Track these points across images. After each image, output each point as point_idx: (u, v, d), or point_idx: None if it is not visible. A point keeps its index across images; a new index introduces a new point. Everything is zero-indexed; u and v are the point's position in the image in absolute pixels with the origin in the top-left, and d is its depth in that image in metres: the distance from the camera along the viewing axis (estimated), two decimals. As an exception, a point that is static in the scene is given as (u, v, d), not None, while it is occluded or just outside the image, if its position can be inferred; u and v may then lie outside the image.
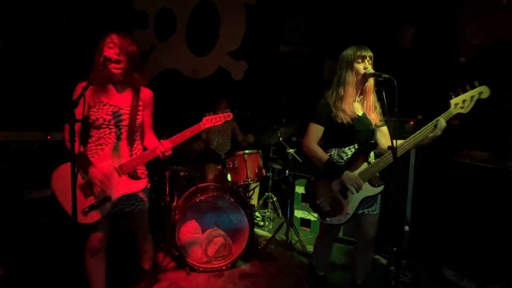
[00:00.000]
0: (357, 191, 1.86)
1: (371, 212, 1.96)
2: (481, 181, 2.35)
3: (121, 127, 1.82)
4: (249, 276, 2.61)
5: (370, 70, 1.84)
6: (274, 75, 4.28)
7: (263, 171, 3.04)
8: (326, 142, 2.02)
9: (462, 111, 1.80)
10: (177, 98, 4.21)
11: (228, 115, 1.98)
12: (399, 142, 1.83)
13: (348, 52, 1.92)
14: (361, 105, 1.99)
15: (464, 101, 1.79)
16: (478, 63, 3.00)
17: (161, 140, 1.84)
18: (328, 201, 1.93)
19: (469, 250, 2.40)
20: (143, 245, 2.13)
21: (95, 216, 1.73)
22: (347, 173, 1.86)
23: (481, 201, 2.33)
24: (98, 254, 1.85)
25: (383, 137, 2.01)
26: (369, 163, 1.90)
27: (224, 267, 2.65)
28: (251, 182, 2.92)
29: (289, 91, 4.26)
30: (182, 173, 3.04)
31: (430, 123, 1.81)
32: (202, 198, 2.62)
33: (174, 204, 2.89)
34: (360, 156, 1.90)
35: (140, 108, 1.88)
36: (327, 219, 1.94)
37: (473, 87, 1.80)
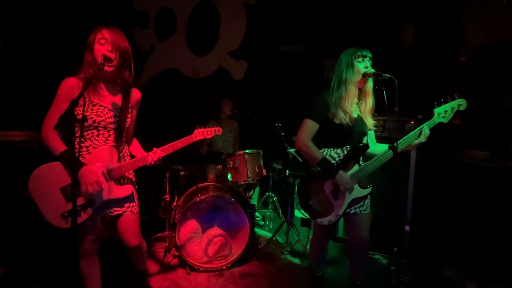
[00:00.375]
0: (350, 193, 1.87)
1: (363, 212, 1.96)
2: (481, 181, 2.35)
3: (109, 129, 1.73)
4: (249, 276, 2.62)
5: (371, 69, 1.84)
6: (274, 75, 4.28)
7: (264, 170, 3.04)
8: (318, 141, 1.99)
9: (443, 120, 1.87)
10: (177, 98, 4.21)
11: (218, 130, 2.11)
12: (384, 148, 1.88)
13: (348, 52, 1.91)
14: (358, 107, 1.98)
15: (446, 111, 1.86)
16: (478, 63, 3.00)
17: (154, 149, 1.82)
18: (319, 202, 1.93)
19: (469, 250, 2.40)
20: (134, 252, 1.94)
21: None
22: (341, 174, 1.85)
23: (482, 201, 2.33)
24: (91, 256, 1.82)
25: (370, 140, 2.05)
26: (359, 165, 1.90)
27: (224, 267, 2.65)
28: (251, 181, 2.93)
29: (289, 91, 4.26)
30: (182, 173, 3.04)
31: (414, 131, 1.86)
32: (203, 197, 2.62)
33: (174, 203, 2.89)
34: (352, 158, 1.91)
35: (129, 110, 1.82)
36: (318, 219, 1.94)
37: (453, 99, 1.87)
